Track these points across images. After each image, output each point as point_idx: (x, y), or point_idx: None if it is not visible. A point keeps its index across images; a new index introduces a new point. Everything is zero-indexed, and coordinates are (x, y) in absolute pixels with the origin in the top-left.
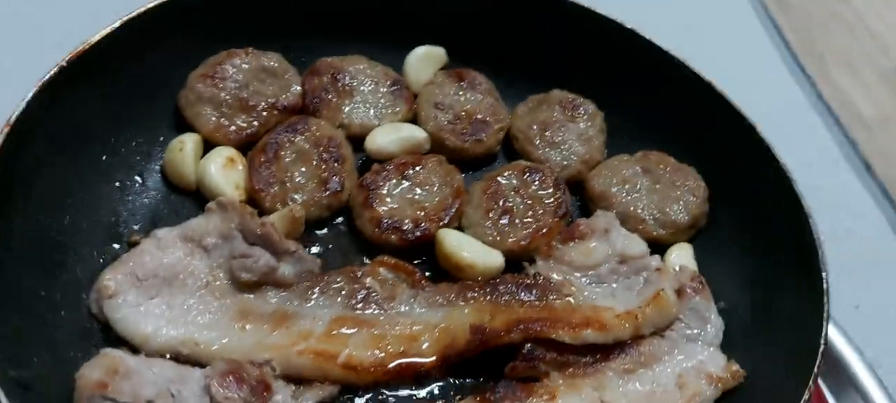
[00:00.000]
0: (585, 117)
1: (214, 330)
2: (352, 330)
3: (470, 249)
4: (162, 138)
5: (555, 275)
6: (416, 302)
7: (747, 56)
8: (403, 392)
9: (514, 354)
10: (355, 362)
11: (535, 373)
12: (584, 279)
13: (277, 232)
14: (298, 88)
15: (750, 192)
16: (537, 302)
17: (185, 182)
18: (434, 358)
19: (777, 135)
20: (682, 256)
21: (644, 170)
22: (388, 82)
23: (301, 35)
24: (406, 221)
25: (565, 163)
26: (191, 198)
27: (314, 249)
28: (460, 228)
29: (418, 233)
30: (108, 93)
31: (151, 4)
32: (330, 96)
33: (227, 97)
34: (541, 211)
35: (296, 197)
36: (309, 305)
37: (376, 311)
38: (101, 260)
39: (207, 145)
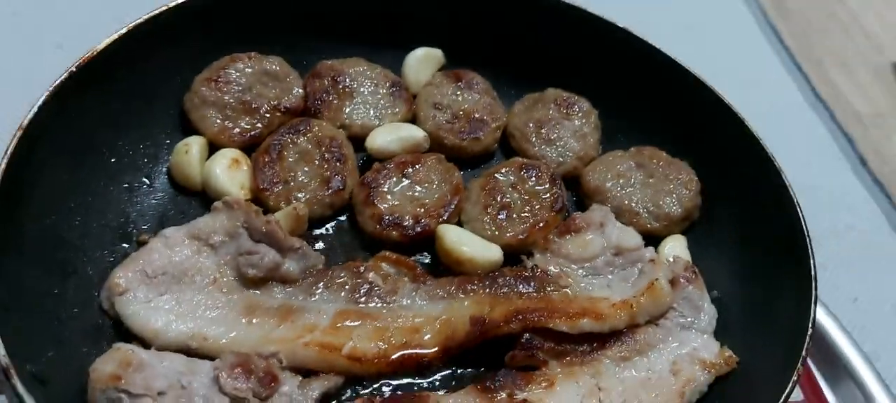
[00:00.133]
0: (580, 115)
1: (222, 325)
2: (356, 323)
3: (469, 244)
4: (168, 141)
5: (552, 268)
6: (417, 295)
7: (745, 57)
8: (406, 382)
9: (513, 344)
10: (359, 353)
11: (534, 362)
12: (580, 271)
13: (282, 229)
14: (300, 91)
15: (741, 184)
16: (535, 294)
17: (192, 183)
18: (436, 349)
19: (776, 135)
20: (675, 248)
21: (638, 165)
22: (388, 83)
23: (302, 39)
24: (407, 217)
25: (561, 159)
26: (197, 198)
27: (318, 246)
28: (459, 224)
29: (419, 229)
30: (115, 98)
31: (156, 11)
32: (331, 98)
33: (231, 100)
34: (538, 206)
35: (299, 195)
36: (313, 299)
37: (379, 305)
38: (111, 260)
39: (212, 147)
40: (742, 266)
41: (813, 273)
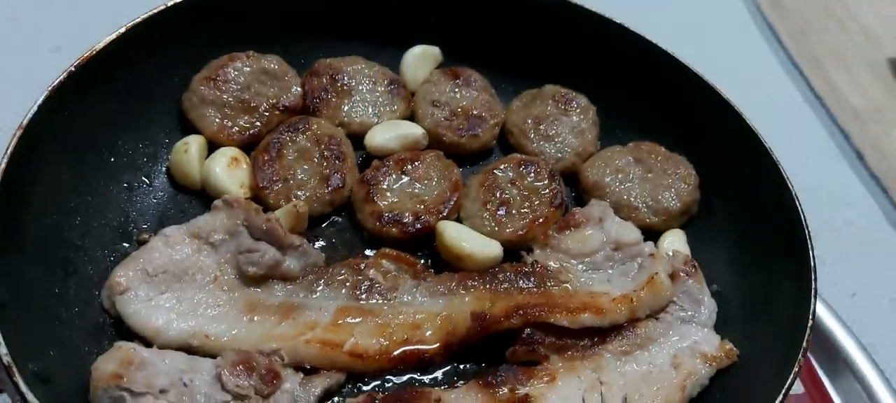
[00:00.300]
0: (578, 111)
1: (223, 323)
2: (357, 320)
3: (469, 240)
4: (167, 140)
5: (552, 263)
6: (418, 291)
7: (743, 55)
8: (408, 378)
9: (514, 339)
10: (361, 350)
11: (535, 357)
12: (580, 266)
13: (282, 227)
14: (299, 89)
15: (739, 179)
16: (535, 289)
17: (191, 182)
18: (437, 345)
19: (773, 132)
20: (675, 242)
21: (636, 160)
22: (386, 81)
23: (300, 37)
24: (406, 214)
25: (559, 155)
26: (197, 197)
27: (318, 243)
28: (459, 220)
29: (419, 226)
30: (114, 98)
31: (154, 11)
32: (329, 96)
33: (230, 99)
34: (537, 202)
35: (299, 193)
36: (314, 297)
37: (380, 301)
38: (112, 259)
39: (212, 146)
40: (741, 259)
41: (812, 265)
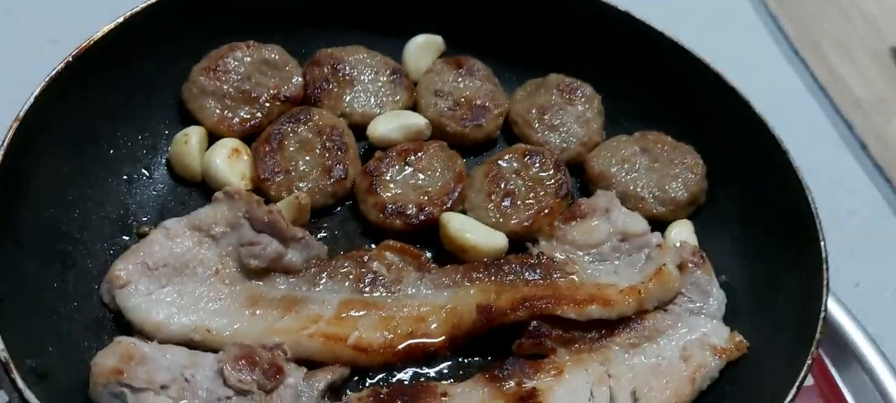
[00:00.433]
0: (583, 100)
1: (225, 317)
2: (360, 313)
3: (474, 231)
4: (167, 132)
5: (558, 254)
6: (422, 284)
7: (744, 43)
8: (413, 372)
9: (520, 332)
10: (365, 344)
11: (542, 350)
12: (586, 257)
13: (284, 219)
14: (300, 79)
15: (747, 167)
16: (542, 281)
17: (191, 174)
18: (442, 338)
19: (775, 120)
20: (682, 232)
21: (642, 150)
22: (388, 71)
23: (300, 26)
24: (410, 206)
25: (564, 145)
26: (197, 189)
27: (320, 235)
28: (463, 211)
29: (422, 217)
30: (113, 89)
31: (152, 0)
32: (331, 86)
33: (230, 89)
34: (542, 193)
35: (301, 185)
36: (317, 290)
37: (384, 294)
38: (111, 252)
39: (212, 137)
40: (750, 250)
41: (823, 255)
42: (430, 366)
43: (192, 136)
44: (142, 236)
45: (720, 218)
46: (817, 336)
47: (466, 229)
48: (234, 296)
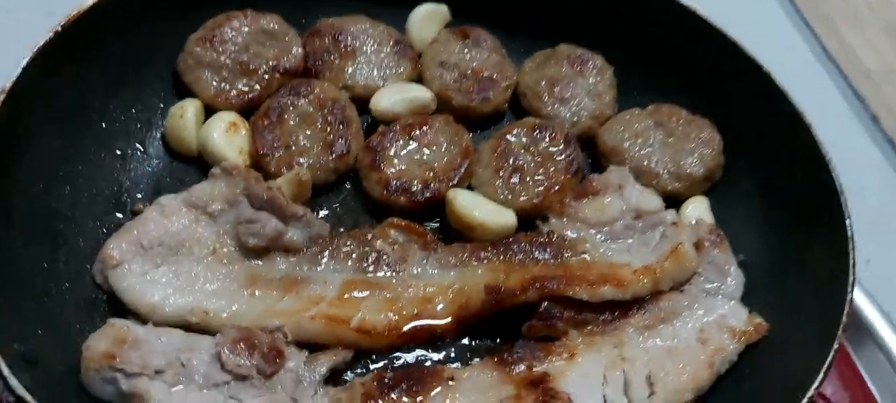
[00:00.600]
0: (594, 72)
1: (223, 298)
2: (364, 294)
3: (481, 209)
4: (162, 104)
5: (569, 233)
6: (428, 263)
7: (753, 14)
8: (418, 355)
9: (530, 314)
10: (369, 326)
11: (553, 332)
12: (599, 235)
13: (284, 196)
14: (299, 50)
15: (767, 141)
16: (552, 261)
17: (187, 148)
18: (449, 320)
19: None
20: (698, 209)
21: (656, 124)
22: (391, 42)
23: None
24: (415, 182)
25: (575, 119)
26: (194, 164)
27: (322, 213)
28: (470, 188)
29: (428, 194)
30: (105, 59)
31: None
32: (332, 57)
33: (227, 61)
34: (552, 169)
35: (301, 160)
36: (319, 269)
37: (388, 274)
38: (104, 231)
39: (208, 110)
40: (770, 227)
41: (849, 234)
42: (436, 349)
43: (188, 110)
44: (136, 214)
45: (738, 194)
46: (845, 318)
47: (473, 206)
48: (232, 277)
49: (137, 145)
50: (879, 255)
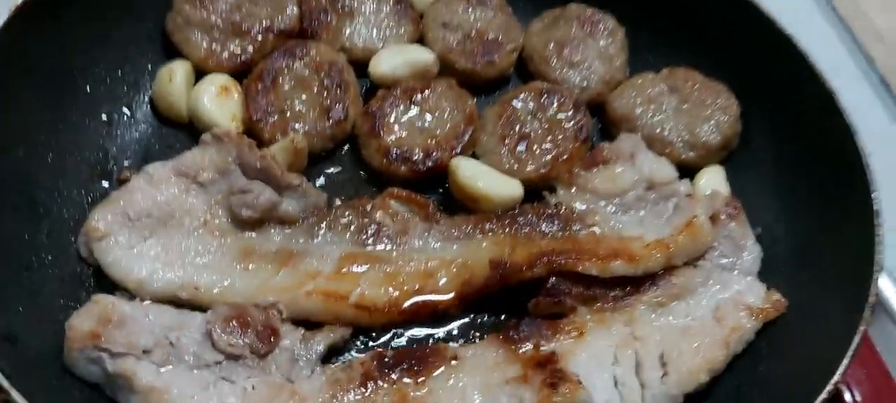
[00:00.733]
0: (606, 33)
1: (215, 272)
2: (363, 268)
3: (486, 179)
4: (150, 66)
5: (578, 204)
6: (430, 236)
7: None
8: (420, 333)
9: (536, 289)
10: (368, 302)
11: (561, 309)
12: (609, 207)
13: (279, 164)
14: (295, 9)
15: (787, 108)
16: (560, 234)
17: (177, 113)
18: (452, 296)
19: None
20: (713, 180)
21: (670, 89)
22: (392, 1)
23: None
24: (416, 150)
25: (585, 83)
26: (184, 130)
27: (319, 182)
28: (474, 156)
29: (430, 163)
30: (89, 18)
31: None
32: (329, 17)
33: (219, 20)
34: (560, 136)
35: (297, 127)
36: (316, 242)
37: (388, 247)
38: (89, 200)
39: (199, 73)
40: (789, 199)
41: (876, 208)
42: (438, 326)
43: (178, 72)
44: (123, 182)
45: (756, 163)
46: (871, 296)
47: (478, 176)
48: (225, 250)
49: (124, 109)
50: (889, 220)
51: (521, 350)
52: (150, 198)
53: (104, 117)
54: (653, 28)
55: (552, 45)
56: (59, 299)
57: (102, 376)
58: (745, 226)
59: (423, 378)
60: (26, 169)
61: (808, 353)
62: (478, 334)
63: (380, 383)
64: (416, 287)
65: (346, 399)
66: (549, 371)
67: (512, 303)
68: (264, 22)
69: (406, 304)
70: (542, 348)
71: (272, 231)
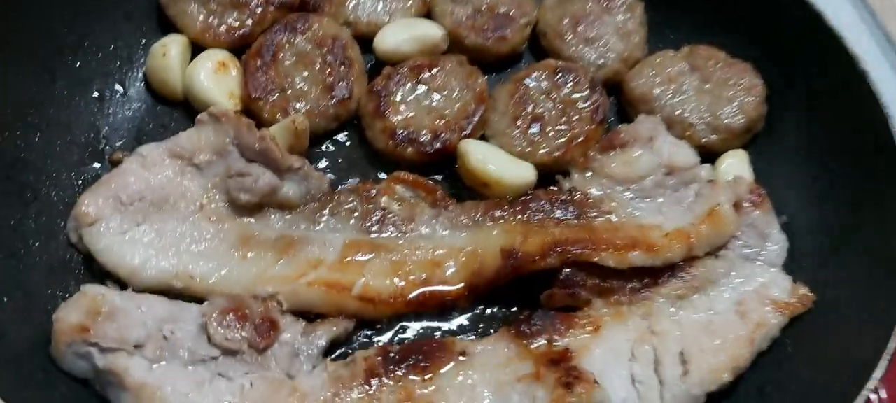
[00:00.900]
0: (623, 8)
1: (211, 260)
2: (367, 257)
3: (497, 162)
4: (143, 41)
5: (593, 190)
6: (438, 223)
7: None
8: (427, 325)
9: (549, 280)
10: (372, 293)
11: (576, 301)
12: (626, 193)
13: (279, 146)
14: None
15: (814, 90)
16: (574, 221)
17: (171, 90)
18: (461, 286)
19: None
20: (736, 165)
21: (692, 68)
22: None
23: None
24: (424, 132)
25: (601, 61)
26: (179, 109)
27: (321, 165)
28: (485, 138)
29: (438, 145)
30: None
31: None
32: None
33: None
34: (575, 118)
35: (298, 105)
36: (318, 229)
37: (394, 234)
38: (80, 183)
39: (195, 48)
40: (816, 186)
41: None
42: (446, 319)
43: (173, 47)
44: (115, 164)
45: (781, 148)
46: None
47: (488, 159)
48: (222, 236)
49: (117, 86)
50: None
51: (533, 345)
52: (143, 180)
53: (95, 94)
54: (673, 3)
55: (567, 19)
56: (46, 289)
57: (91, 371)
58: (769, 215)
59: (429, 375)
60: (14, 151)
61: (838, 354)
62: (488, 327)
63: (384, 379)
64: (423, 277)
65: (348, 396)
66: (564, 368)
67: (523, 295)
68: None
69: (412, 295)
70: (555, 343)
71: (272, 216)
